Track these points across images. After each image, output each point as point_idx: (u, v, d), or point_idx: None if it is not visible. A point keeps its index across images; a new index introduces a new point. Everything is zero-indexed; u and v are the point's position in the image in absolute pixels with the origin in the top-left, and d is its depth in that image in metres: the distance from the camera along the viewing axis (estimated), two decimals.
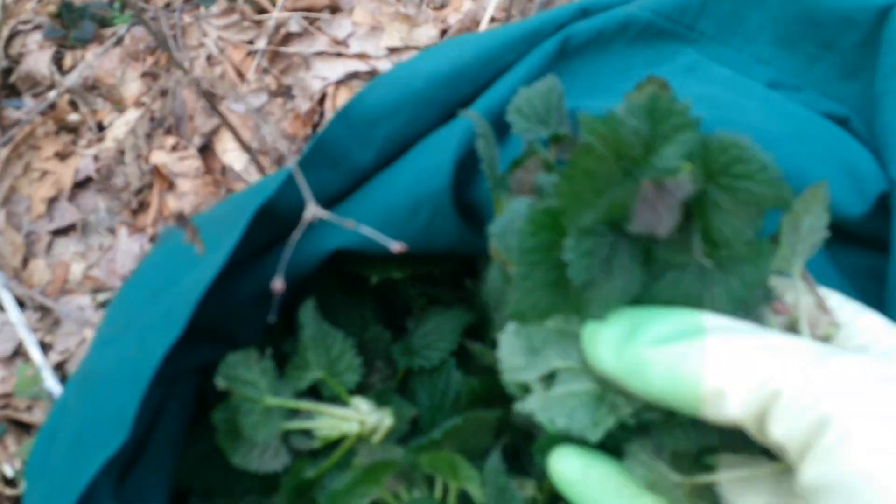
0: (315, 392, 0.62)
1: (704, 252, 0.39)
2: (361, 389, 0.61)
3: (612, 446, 0.42)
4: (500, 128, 0.63)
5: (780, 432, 0.34)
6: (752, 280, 0.39)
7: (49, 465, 0.52)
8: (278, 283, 0.43)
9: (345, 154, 0.59)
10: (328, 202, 0.59)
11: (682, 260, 0.39)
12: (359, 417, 0.59)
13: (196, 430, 0.62)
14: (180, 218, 0.43)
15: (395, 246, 0.43)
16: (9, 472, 0.91)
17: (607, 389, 0.40)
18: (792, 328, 0.41)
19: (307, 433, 0.60)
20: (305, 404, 0.59)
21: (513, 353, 0.42)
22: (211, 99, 0.83)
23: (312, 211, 0.43)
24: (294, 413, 0.60)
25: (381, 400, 0.61)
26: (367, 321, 0.66)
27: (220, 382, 0.57)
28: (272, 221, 0.56)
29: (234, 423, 0.58)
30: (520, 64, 0.64)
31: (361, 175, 0.61)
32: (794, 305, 0.42)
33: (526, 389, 0.42)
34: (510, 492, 0.55)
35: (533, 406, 0.41)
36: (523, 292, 0.38)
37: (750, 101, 0.59)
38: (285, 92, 1.15)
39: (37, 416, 0.94)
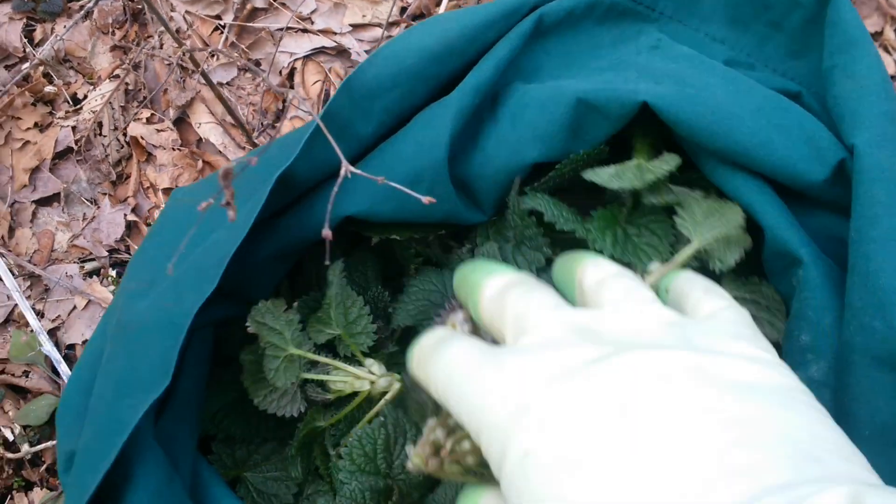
0: (330, 348, 0.67)
1: None
2: (371, 352, 0.67)
3: None
4: (490, 104, 0.69)
5: None
6: None
7: (91, 410, 0.57)
8: (327, 231, 0.48)
9: (348, 125, 0.65)
10: (335, 171, 0.64)
11: None
12: (371, 378, 0.64)
13: (218, 383, 0.67)
14: (227, 176, 0.47)
15: (426, 199, 0.48)
16: (9, 436, 0.95)
17: None
18: None
19: (322, 385, 0.65)
20: (324, 359, 0.64)
21: None
22: (197, 67, 0.86)
23: (346, 167, 0.48)
24: (312, 365, 0.65)
25: (390, 362, 0.67)
26: (369, 281, 0.71)
27: (251, 326, 0.62)
28: (287, 187, 0.62)
29: (259, 366, 0.64)
30: (501, 43, 0.70)
31: (364, 146, 0.66)
32: None
33: None
34: None
35: None
36: None
37: (712, 78, 0.64)
38: (255, 66, 1.19)
39: (33, 381, 0.97)
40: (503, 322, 0.44)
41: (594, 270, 0.48)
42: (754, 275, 0.65)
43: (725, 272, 0.61)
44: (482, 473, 0.50)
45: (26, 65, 1.18)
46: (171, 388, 0.61)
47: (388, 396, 0.63)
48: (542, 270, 0.65)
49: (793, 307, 0.62)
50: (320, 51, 1.20)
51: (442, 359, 0.42)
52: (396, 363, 0.66)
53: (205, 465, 0.62)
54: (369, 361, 0.65)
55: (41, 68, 1.19)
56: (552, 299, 0.44)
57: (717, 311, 0.45)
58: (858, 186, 0.57)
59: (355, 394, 0.64)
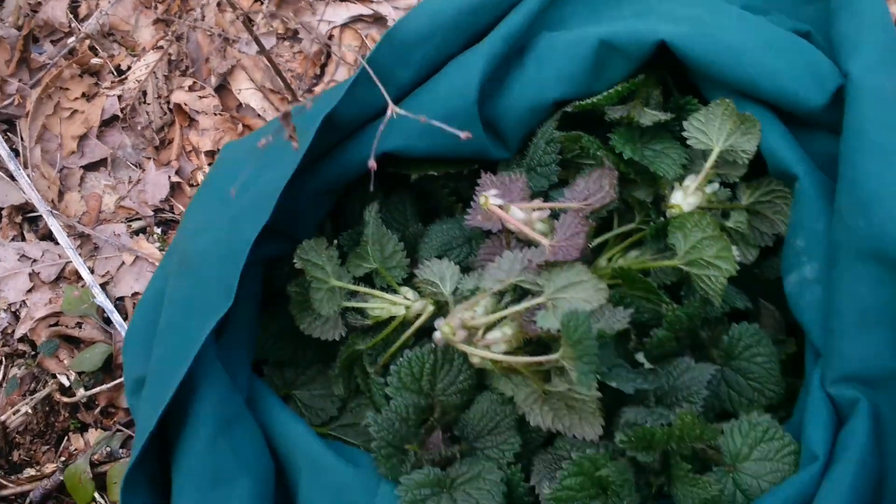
0: (368, 280, 0.73)
1: None
2: (405, 283, 0.73)
3: None
4: (518, 52, 0.73)
5: None
6: None
7: (159, 334, 0.62)
8: (372, 162, 0.52)
9: (389, 72, 0.69)
10: (377, 114, 0.69)
11: None
12: (406, 303, 0.70)
13: (269, 313, 0.73)
14: (286, 116, 0.52)
15: (463, 134, 0.51)
16: (65, 382, 0.99)
17: None
18: None
19: (361, 312, 0.71)
20: (362, 288, 0.71)
21: None
22: (251, 32, 0.90)
23: (392, 108, 0.52)
24: (352, 295, 0.71)
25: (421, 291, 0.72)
26: (409, 219, 0.77)
27: (297, 262, 0.68)
28: (331, 129, 0.66)
29: (305, 297, 0.70)
30: None
31: (403, 91, 0.71)
32: None
33: None
34: None
35: None
36: None
37: (726, 19, 0.70)
38: (293, 35, 1.23)
39: (86, 332, 1.02)
40: None
41: None
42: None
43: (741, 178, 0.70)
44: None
45: (72, 39, 1.23)
46: (228, 317, 0.67)
47: (422, 318, 0.69)
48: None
49: (790, 217, 0.68)
50: (358, 19, 1.23)
51: None
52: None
53: (259, 383, 0.68)
54: (404, 289, 0.71)
55: (87, 42, 1.23)
56: None
57: None
58: (849, 106, 0.63)
59: (392, 319, 0.70)
